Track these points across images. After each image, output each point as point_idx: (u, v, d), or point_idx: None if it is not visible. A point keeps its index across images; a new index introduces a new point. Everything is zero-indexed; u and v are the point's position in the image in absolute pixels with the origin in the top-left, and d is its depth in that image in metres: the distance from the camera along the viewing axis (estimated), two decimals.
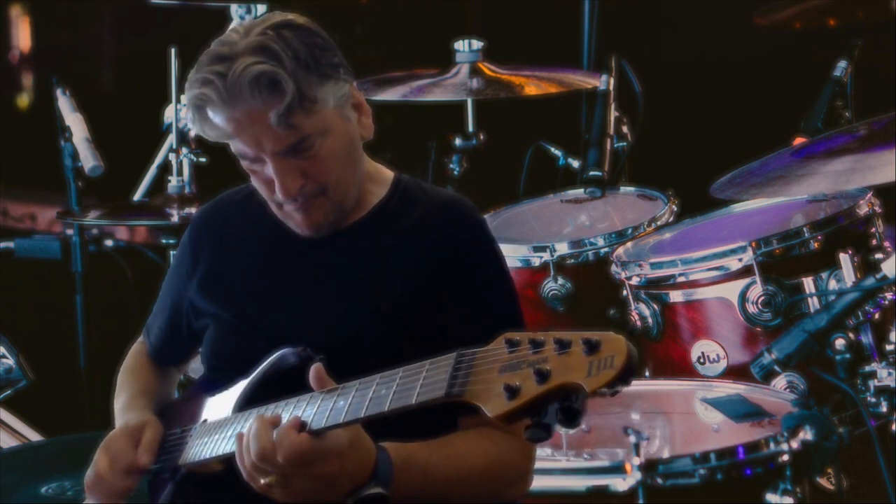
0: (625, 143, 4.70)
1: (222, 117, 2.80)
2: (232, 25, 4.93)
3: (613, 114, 4.62)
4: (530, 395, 2.34)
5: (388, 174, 3.03)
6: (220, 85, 2.76)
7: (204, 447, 2.91)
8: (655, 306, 4.02)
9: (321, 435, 2.62)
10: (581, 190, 4.62)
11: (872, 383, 3.65)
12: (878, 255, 3.87)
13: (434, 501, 2.79)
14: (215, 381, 3.05)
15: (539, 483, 3.05)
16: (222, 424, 2.89)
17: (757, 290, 3.88)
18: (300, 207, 2.88)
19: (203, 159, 4.74)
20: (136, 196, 5.09)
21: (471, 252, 2.93)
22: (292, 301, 2.96)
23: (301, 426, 2.63)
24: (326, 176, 2.85)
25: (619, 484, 3.32)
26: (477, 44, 4.86)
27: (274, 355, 2.86)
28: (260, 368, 2.88)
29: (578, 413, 2.36)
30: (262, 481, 2.66)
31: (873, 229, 3.97)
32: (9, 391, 4.40)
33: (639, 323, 4.05)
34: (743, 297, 3.90)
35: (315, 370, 2.69)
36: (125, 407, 3.12)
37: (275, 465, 2.63)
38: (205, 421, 3.00)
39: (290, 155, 2.82)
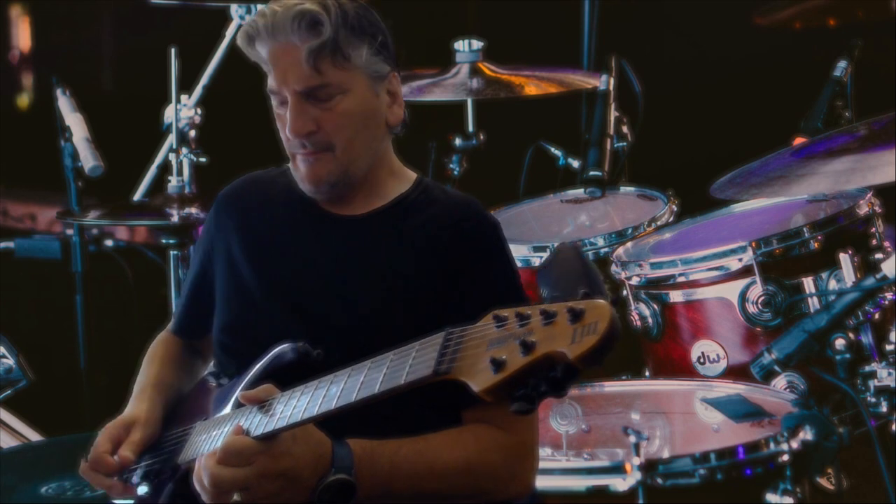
0: (625, 143, 4.70)
1: (265, 48, 2.99)
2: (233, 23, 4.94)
3: (613, 114, 4.62)
4: (515, 367, 2.35)
5: (412, 174, 3.14)
6: (269, 19, 2.96)
7: (202, 445, 2.94)
8: (655, 306, 4.03)
9: (267, 438, 2.71)
10: (581, 190, 4.62)
11: (872, 383, 3.65)
12: (878, 255, 3.87)
13: (408, 495, 2.84)
14: (225, 366, 3.10)
15: (539, 483, 3.05)
16: (220, 422, 2.92)
17: (757, 290, 3.88)
18: (307, 157, 3.00)
19: (203, 159, 4.74)
20: (136, 196, 5.09)
21: (484, 249, 3.02)
22: (307, 279, 3.03)
23: (240, 431, 2.75)
24: (337, 133, 2.97)
25: (619, 484, 3.32)
26: (477, 44, 4.86)
27: (272, 351, 2.92)
28: (259, 365, 2.93)
29: (562, 383, 2.35)
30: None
31: (873, 229, 3.97)
32: (9, 391, 4.40)
33: (639, 323, 4.06)
34: (743, 297, 3.90)
35: (242, 398, 2.80)
36: (135, 396, 3.18)
37: (230, 483, 2.71)
38: (205, 418, 3.01)
39: (308, 99, 2.96)
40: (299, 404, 2.70)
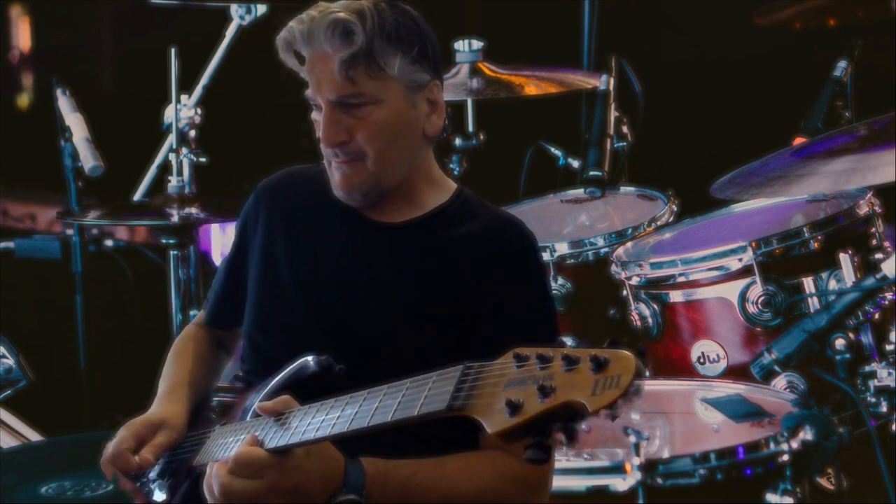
0: (625, 143, 4.71)
1: (301, 55, 2.96)
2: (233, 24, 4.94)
3: (613, 114, 4.62)
4: (532, 413, 2.29)
5: (452, 184, 3.09)
6: (306, 25, 2.92)
7: (218, 450, 2.94)
8: (655, 306, 4.03)
9: (280, 452, 2.69)
10: (581, 190, 4.62)
11: (872, 383, 3.65)
12: (878, 255, 3.88)
13: None
14: (252, 362, 3.08)
15: None
16: (237, 430, 2.91)
17: (757, 290, 3.88)
18: (340, 165, 2.96)
19: (203, 159, 4.74)
20: (136, 196, 5.09)
21: (519, 270, 2.96)
22: (337, 283, 3.00)
23: (253, 442, 2.72)
24: (370, 143, 2.93)
25: (619, 484, 3.32)
26: (477, 44, 4.86)
27: (295, 363, 2.89)
28: (281, 375, 2.91)
29: (577, 434, 2.30)
30: None
31: (873, 229, 3.97)
32: (9, 391, 4.40)
33: (639, 323, 4.06)
34: (743, 297, 3.90)
35: (260, 409, 2.77)
36: (163, 396, 3.15)
37: (239, 493, 2.69)
38: (225, 423, 3.02)
39: (341, 108, 2.92)
40: (314, 422, 2.67)
